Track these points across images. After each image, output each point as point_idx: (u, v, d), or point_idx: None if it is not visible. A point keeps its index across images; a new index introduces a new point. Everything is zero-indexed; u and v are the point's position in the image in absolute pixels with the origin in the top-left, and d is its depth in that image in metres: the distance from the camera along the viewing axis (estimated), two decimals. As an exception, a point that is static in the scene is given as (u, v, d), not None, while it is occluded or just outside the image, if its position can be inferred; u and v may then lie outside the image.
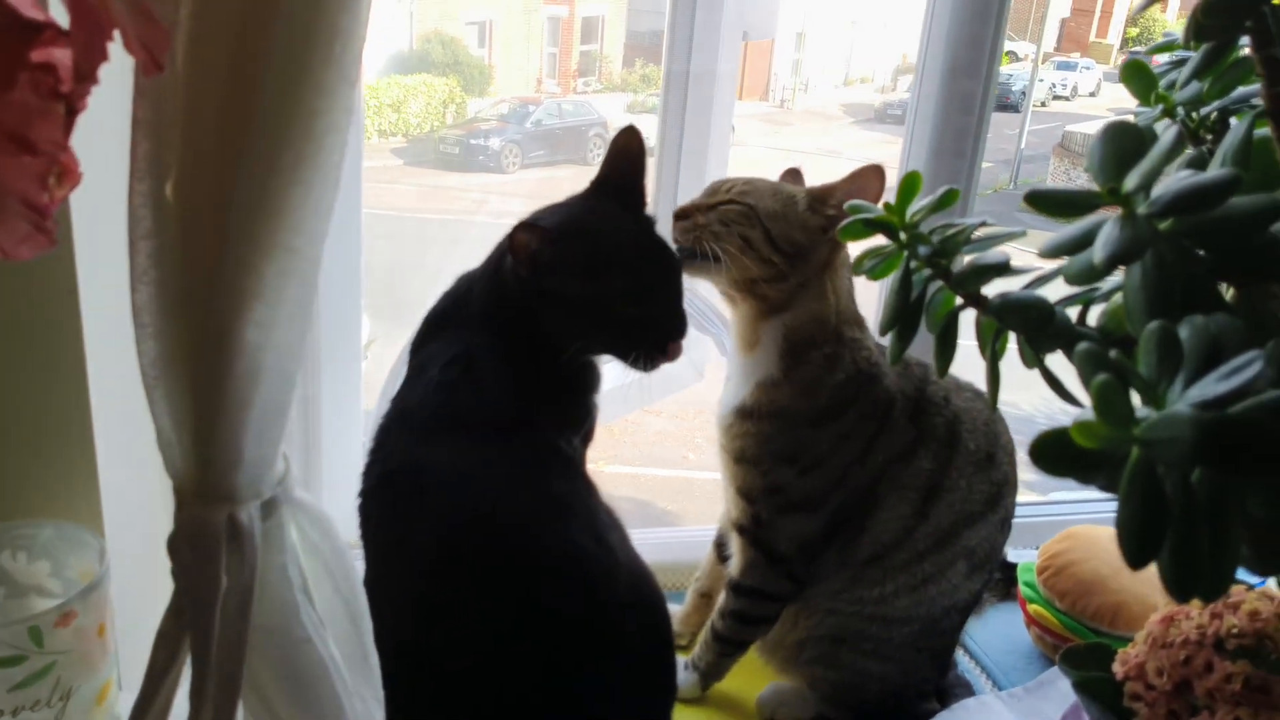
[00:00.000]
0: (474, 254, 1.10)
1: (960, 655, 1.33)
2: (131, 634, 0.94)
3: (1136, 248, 0.57)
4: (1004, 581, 1.45)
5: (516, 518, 0.89)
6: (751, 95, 13.26)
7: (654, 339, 0.98)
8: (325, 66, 0.65)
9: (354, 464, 1.31)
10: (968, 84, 1.35)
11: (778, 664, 1.19)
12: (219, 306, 0.67)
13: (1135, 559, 0.46)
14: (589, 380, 1.01)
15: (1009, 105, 12.05)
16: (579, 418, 1.00)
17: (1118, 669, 0.83)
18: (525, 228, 0.93)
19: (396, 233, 7.21)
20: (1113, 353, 0.52)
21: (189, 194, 0.66)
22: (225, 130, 0.65)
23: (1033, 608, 1.34)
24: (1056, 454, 0.47)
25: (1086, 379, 0.50)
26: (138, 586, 0.96)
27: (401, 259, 6.41)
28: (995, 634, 1.38)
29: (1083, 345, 0.53)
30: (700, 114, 1.53)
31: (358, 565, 0.85)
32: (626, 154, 1.01)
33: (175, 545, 0.72)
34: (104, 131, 0.68)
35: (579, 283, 0.95)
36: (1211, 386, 0.46)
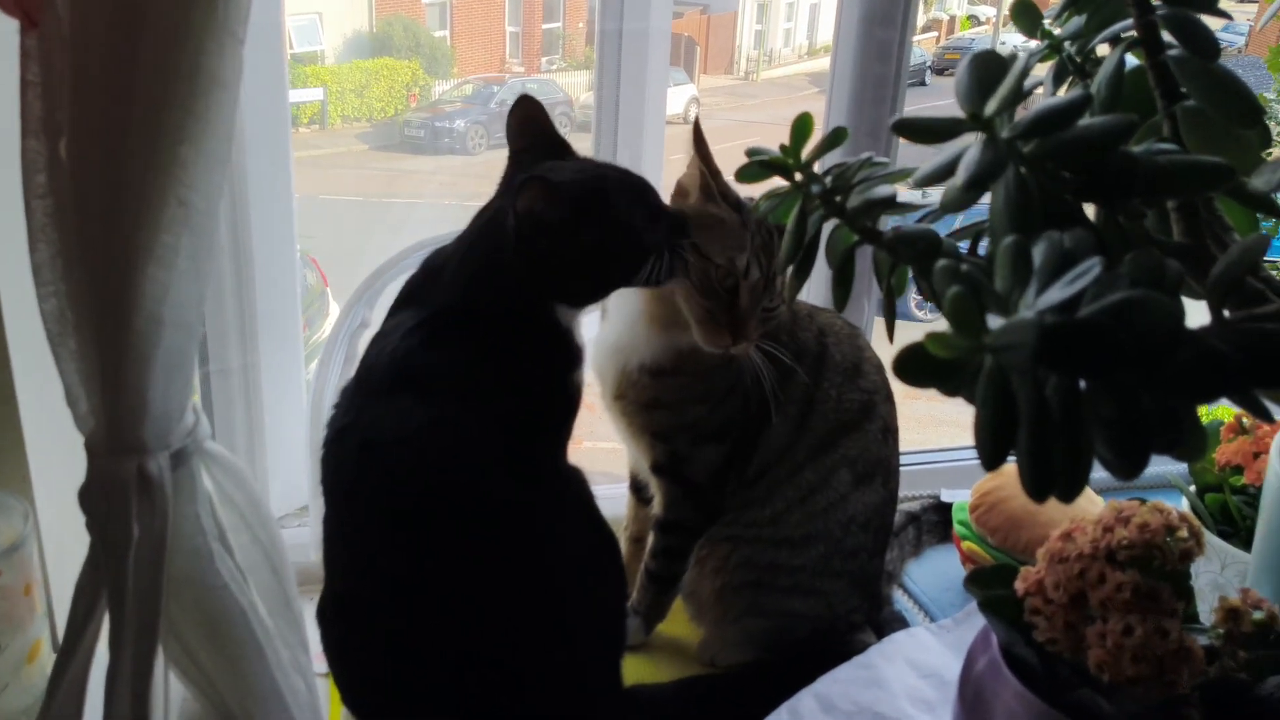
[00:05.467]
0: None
1: (899, 595, 1.36)
2: (66, 599, 0.95)
3: (996, 168, 0.59)
4: (941, 523, 1.48)
5: (454, 479, 0.89)
6: (716, 69, 13.17)
7: (666, 246, 0.98)
8: (207, 24, 0.67)
9: (296, 429, 1.33)
10: (884, 32, 1.36)
11: (709, 624, 1.21)
12: (116, 260, 0.69)
13: (989, 461, 0.48)
14: (571, 356, 0.99)
15: (973, 69, 11.98)
16: (561, 401, 0.98)
17: (1019, 586, 0.86)
18: (529, 185, 0.90)
19: (364, 219, 7.16)
20: (965, 267, 0.54)
21: (81, 152, 0.68)
22: (111, 89, 0.67)
23: (967, 545, 1.36)
24: (917, 366, 0.49)
25: (942, 293, 0.51)
26: (71, 554, 0.97)
27: (370, 245, 6.38)
28: (932, 573, 1.41)
29: (940, 262, 0.55)
30: (635, 73, 1.52)
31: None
32: (533, 119, 1.02)
33: (87, 497, 0.74)
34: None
35: (598, 225, 0.93)
36: (1055, 294, 0.48)
